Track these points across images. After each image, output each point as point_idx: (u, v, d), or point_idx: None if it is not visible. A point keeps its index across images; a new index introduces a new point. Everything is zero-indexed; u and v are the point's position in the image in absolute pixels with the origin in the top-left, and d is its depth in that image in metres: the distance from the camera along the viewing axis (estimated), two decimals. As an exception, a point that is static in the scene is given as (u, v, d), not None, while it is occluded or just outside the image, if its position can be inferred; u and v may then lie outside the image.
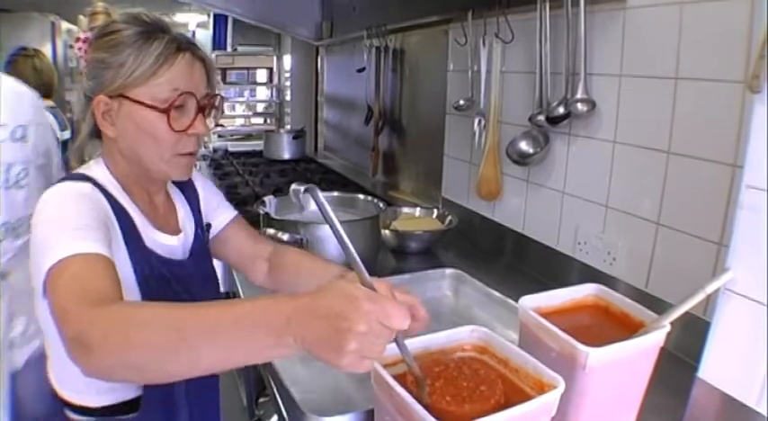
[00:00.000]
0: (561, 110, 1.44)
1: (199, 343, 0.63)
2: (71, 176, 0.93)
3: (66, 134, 2.97)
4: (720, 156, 1.10)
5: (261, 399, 2.04)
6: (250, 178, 2.93)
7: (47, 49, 3.91)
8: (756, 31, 0.99)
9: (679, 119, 1.19)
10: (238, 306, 0.66)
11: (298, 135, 3.55)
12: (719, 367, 0.90)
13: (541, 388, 0.77)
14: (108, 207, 0.91)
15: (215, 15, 4.25)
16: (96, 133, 0.98)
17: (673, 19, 1.17)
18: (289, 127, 4.67)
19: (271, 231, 1.45)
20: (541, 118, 1.51)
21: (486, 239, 1.91)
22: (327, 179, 2.92)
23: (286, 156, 3.50)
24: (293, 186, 1.27)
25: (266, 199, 1.63)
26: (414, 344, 0.80)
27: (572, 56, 1.40)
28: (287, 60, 4.76)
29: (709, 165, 1.13)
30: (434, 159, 2.28)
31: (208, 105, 0.98)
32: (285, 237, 1.42)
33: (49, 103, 2.89)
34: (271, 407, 1.79)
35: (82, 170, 0.95)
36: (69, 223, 0.80)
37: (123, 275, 0.83)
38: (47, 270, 0.75)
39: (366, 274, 0.66)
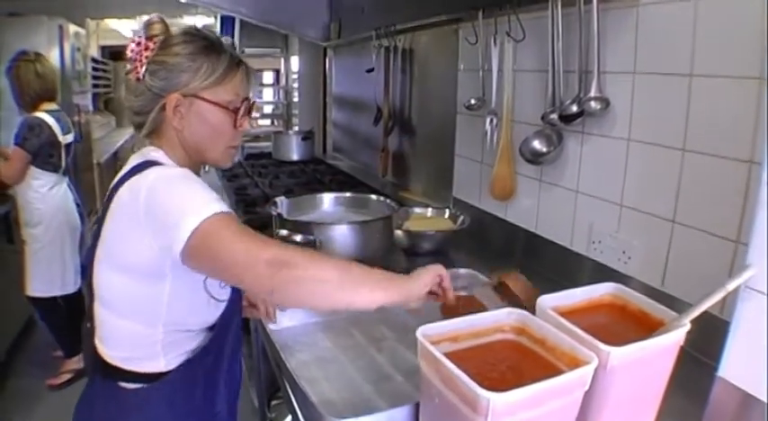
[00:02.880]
0: (574, 108, 1.44)
1: (361, 282, 0.95)
2: (153, 162, 1.05)
3: (70, 137, 2.96)
4: (736, 153, 1.10)
5: (273, 402, 2.04)
6: (259, 180, 2.93)
7: (54, 53, 3.93)
8: (773, 26, 0.99)
9: (694, 116, 1.19)
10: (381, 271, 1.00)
11: (306, 136, 3.55)
12: (740, 365, 0.89)
13: (576, 365, 0.79)
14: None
15: (222, 17, 4.26)
16: (139, 127, 1.12)
17: (687, 15, 1.17)
18: (297, 128, 4.67)
19: (284, 232, 1.45)
20: (554, 116, 1.51)
21: (498, 239, 1.91)
22: (337, 180, 2.93)
23: (295, 157, 3.50)
24: None
25: (278, 200, 1.64)
26: (458, 324, 0.90)
27: (585, 54, 1.40)
28: (294, 61, 4.76)
29: (725, 162, 1.12)
30: (445, 159, 2.28)
31: (250, 107, 1.16)
32: (298, 238, 1.42)
33: (53, 106, 2.89)
34: (285, 410, 1.80)
35: (149, 158, 1.07)
36: (198, 188, 0.98)
37: None
38: (196, 225, 0.91)
39: None
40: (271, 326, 1.32)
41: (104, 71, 6.07)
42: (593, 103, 1.40)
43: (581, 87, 1.42)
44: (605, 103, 1.38)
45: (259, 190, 2.72)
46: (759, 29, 1.03)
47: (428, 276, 1.04)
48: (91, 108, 5.22)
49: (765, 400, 0.86)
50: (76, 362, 2.92)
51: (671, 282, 1.27)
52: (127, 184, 1.00)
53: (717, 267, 1.13)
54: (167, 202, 0.96)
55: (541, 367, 0.85)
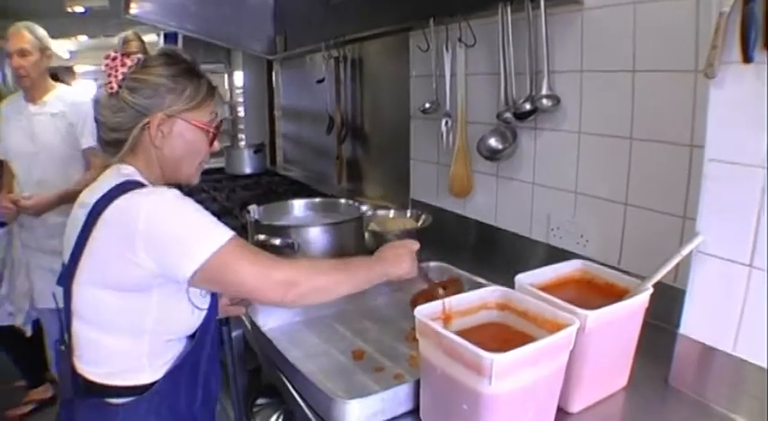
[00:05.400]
0: (527, 106, 1.55)
1: (355, 274, 1.12)
2: (132, 183, 1.05)
3: None
4: (678, 138, 1.23)
5: (255, 409, 2.05)
6: (216, 193, 2.94)
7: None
8: (703, 24, 1.12)
9: (638, 107, 1.32)
10: (362, 260, 1.20)
11: (258, 149, 3.58)
12: (698, 321, 1.01)
13: (559, 329, 0.88)
14: None
15: (165, 35, 4.23)
16: (113, 143, 1.12)
17: (627, 17, 1.30)
18: (243, 143, 4.67)
19: (262, 237, 1.49)
20: (509, 115, 1.62)
21: (459, 234, 2.00)
22: (293, 190, 2.96)
23: (248, 170, 3.52)
24: None
25: (250, 208, 1.68)
26: (448, 303, 0.99)
27: (534, 56, 1.51)
28: (238, 76, 4.76)
29: (669, 147, 1.25)
30: (400, 163, 2.36)
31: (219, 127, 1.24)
32: (277, 242, 1.47)
33: None
34: (269, 412, 1.82)
35: (126, 178, 1.07)
36: (204, 216, 1.02)
37: None
38: (212, 253, 0.97)
39: None
40: (261, 326, 1.36)
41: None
42: (544, 101, 1.51)
43: (532, 87, 1.53)
44: (556, 100, 1.50)
45: (218, 204, 2.73)
46: (691, 27, 1.16)
47: (407, 264, 1.19)
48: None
49: (723, 349, 0.97)
50: (42, 393, 2.84)
51: (627, 259, 1.39)
52: (115, 205, 1.00)
53: (668, 242, 1.25)
54: (173, 231, 0.99)
55: (528, 339, 0.93)
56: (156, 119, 1.09)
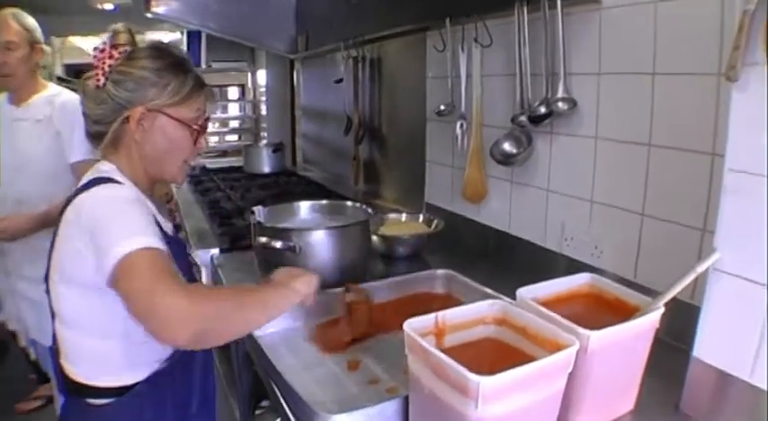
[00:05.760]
0: (543, 109, 1.48)
1: (253, 312, 1.00)
2: (101, 180, 1.04)
3: None
4: (699, 146, 1.15)
5: (257, 412, 2.03)
6: (231, 192, 2.92)
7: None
8: (728, 24, 1.05)
9: (658, 112, 1.24)
10: (262, 292, 1.07)
11: (277, 148, 3.55)
12: (713, 345, 0.94)
13: (558, 349, 0.81)
14: (149, 204, 1.09)
15: (188, 33, 4.25)
16: (96, 136, 1.11)
17: (647, 17, 1.22)
18: (265, 141, 4.67)
19: (263, 240, 1.45)
20: (523, 118, 1.55)
21: (472, 240, 1.94)
22: (309, 191, 2.93)
23: (266, 169, 3.49)
24: None
25: (255, 209, 1.64)
26: (445, 316, 0.93)
27: (551, 57, 1.45)
28: (261, 75, 4.77)
29: (689, 155, 1.17)
30: (416, 165, 2.31)
31: (205, 125, 1.21)
32: (278, 244, 1.43)
33: None
34: (270, 418, 1.79)
35: (100, 174, 1.07)
36: (135, 218, 0.97)
37: None
38: (123, 255, 0.90)
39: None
40: (255, 332, 1.32)
41: (70, 90, 5.93)
42: (560, 104, 1.44)
43: (548, 89, 1.47)
44: (572, 103, 1.43)
45: (232, 202, 2.71)
46: (715, 27, 1.09)
47: (302, 289, 1.12)
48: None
49: (739, 376, 0.90)
50: (50, 389, 2.86)
51: (642, 273, 1.32)
52: (72, 203, 1.01)
53: (686, 256, 1.18)
54: (103, 226, 0.96)
55: (526, 358, 0.88)
56: (136, 112, 1.07)
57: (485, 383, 0.71)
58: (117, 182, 1.06)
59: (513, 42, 1.54)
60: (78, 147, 1.97)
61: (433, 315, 0.91)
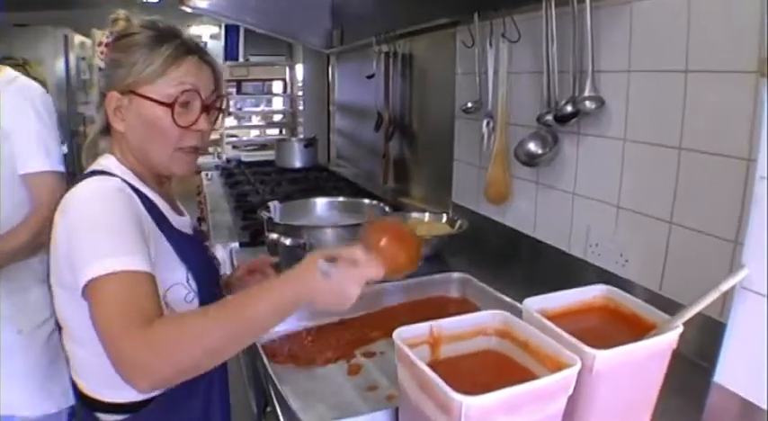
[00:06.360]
0: (569, 108, 1.41)
1: (244, 338, 0.84)
2: (93, 173, 0.98)
3: (64, 148, 2.78)
4: (734, 151, 1.06)
5: (268, 408, 2.01)
6: (261, 187, 2.91)
7: (59, 63, 3.95)
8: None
9: (690, 113, 1.15)
10: (261, 305, 0.81)
11: (309, 143, 3.53)
12: (736, 370, 0.86)
13: (560, 368, 0.76)
14: (138, 200, 0.97)
15: (227, 26, 4.28)
16: (107, 130, 1.05)
17: (681, 10, 1.13)
18: (302, 136, 4.67)
19: (274, 236, 1.42)
20: (549, 117, 1.48)
21: (496, 243, 1.87)
22: (338, 187, 2.90)
23: (298, 164, 3.48)
24: None
25: (271, 204, 1.62)
26: (441, 325, 0.87)
27: (579, 53, 1.37)
28: (299, 69, 4.77)
29: (723, 160, 1.08)
30: (444, 164, 2.25)
31: (213, 105, 1.05)
32: (288, 241, 1.40)
33: None
34: (272, 419, 1.76)
35: (97, 167, 1.01)
36: (111, 230, 0.86)
37: (169, 257, 0.98)
38: (89, 280, 0.81)
39: None
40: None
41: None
42: (587, 103, 1.36)
43: (575, 87, 1.39)
44: (600, 102, 1.35)
45: (259, 196, 2.70)
46: (756, 21, 0.99)
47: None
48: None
49: (764, 407, 0.82)
50: None
51: (668, 285, 1.23)
52: (61, 201, 0.93)
53: (715, 269, 1.09)
54: (77, 238, 0.87)
55: (527, 375, 0.82)
56: (110, 98, 0.99)
57: (468, 403, 0.65)
58: (109, 174, 0.98)
59: (541, 38, 1.47)
60: (33, 155, 1.55)
61: (427, 324, 0.86)
